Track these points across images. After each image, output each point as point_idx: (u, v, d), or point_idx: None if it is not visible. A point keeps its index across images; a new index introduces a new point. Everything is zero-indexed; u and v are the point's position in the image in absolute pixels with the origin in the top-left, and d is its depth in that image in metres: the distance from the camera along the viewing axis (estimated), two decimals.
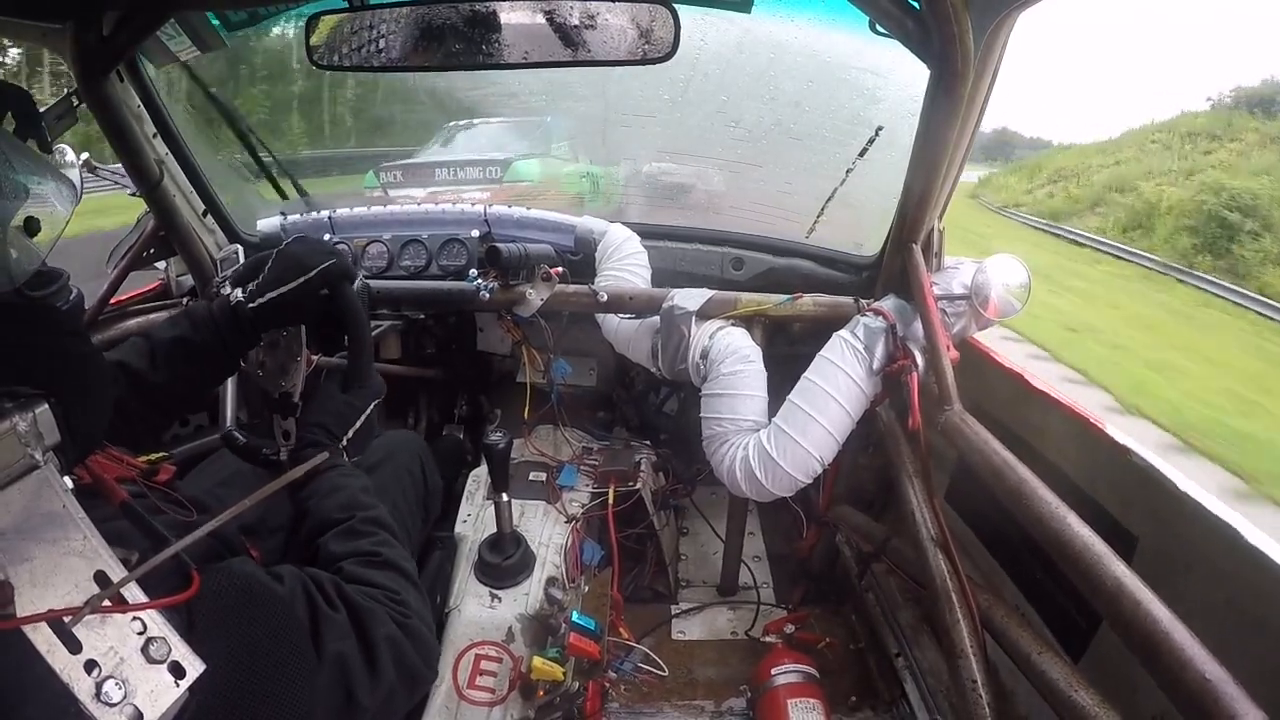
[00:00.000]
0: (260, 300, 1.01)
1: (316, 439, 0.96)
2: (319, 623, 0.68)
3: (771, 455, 1.33)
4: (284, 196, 1.95)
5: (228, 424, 1.10)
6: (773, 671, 1.35)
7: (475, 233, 1.77)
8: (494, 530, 1.33)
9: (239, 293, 1.02)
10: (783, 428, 1.34)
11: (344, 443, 0.98)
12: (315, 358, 1.13)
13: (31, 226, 0.55)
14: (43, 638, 0.48)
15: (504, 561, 1.30)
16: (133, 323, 1.63)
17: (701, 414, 1.47)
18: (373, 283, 1.61)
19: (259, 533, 1.01)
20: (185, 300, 1.74)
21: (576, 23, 1.10)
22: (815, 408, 1.33)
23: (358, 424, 1.00)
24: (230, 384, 1.18)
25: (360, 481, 0.95)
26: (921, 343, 1.30)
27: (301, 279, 1.00)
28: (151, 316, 1.67)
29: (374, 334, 1.73)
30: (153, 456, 0.89)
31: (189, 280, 1.74)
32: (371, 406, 1.03)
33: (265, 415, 1.19)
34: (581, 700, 1.20)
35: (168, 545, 0.57)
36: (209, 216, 1.74)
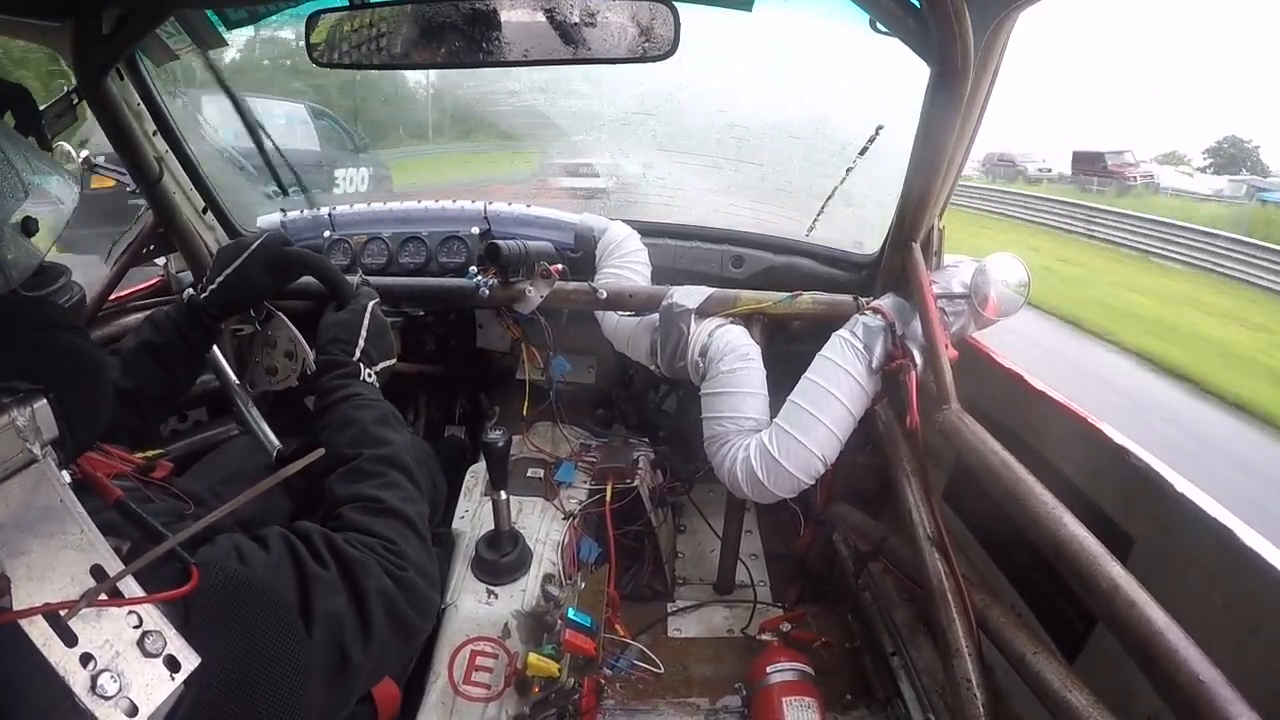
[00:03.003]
0: (211, 287, 1.10)
1: (334, 356, 0.97)
2: (308, 584, 0.67)
3: (774, 456, 1.33)
4: (284, 192, 1.96)
5: (275, 446, 1.14)
6: (768, 670, 1.35)
7: (475, 230, 1.77)
8: (491, 527, 1.33)
9: (190, 290, 1.11)
10: (785, 428, 1.34)
11: (360, 347, 0.99)
12: (313, 353, 1.14)
13: (29, 227, 0.55)
14: (39, 631, 0.48)
15: (501, 558, 1.30)
16: (131, 319, 1.63)
17: (702, 414, 1.47)
18: (372, 279, 1.61)
19: (256, 529, 1.02)
20: (185, 296, 1.75)
21: (576, 20, 1.10)
22: (817, 407, 1.33)
23: (365, 323, 1.01)
24: (254, 411, 1.23)
25: (375, 412, 0.92)
26: (920, 341, 1.30)
27: (244, 254, 1.11)
28: (150, 313, 1.67)
29: None
30: (149, 453, 0.90)
31: (188, 276, 1.75)
32: (371, 305, 1.05)
33: (263, 409, 1.22)
34: (577, 697, 1.21)
35: (164, 539, 0.57)
36: (208, 213, 1.74)
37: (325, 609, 0.67)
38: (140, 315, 1.66)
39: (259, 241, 1.12)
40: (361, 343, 0.99)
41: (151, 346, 1.07)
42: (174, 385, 1.12)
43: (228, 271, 1.11)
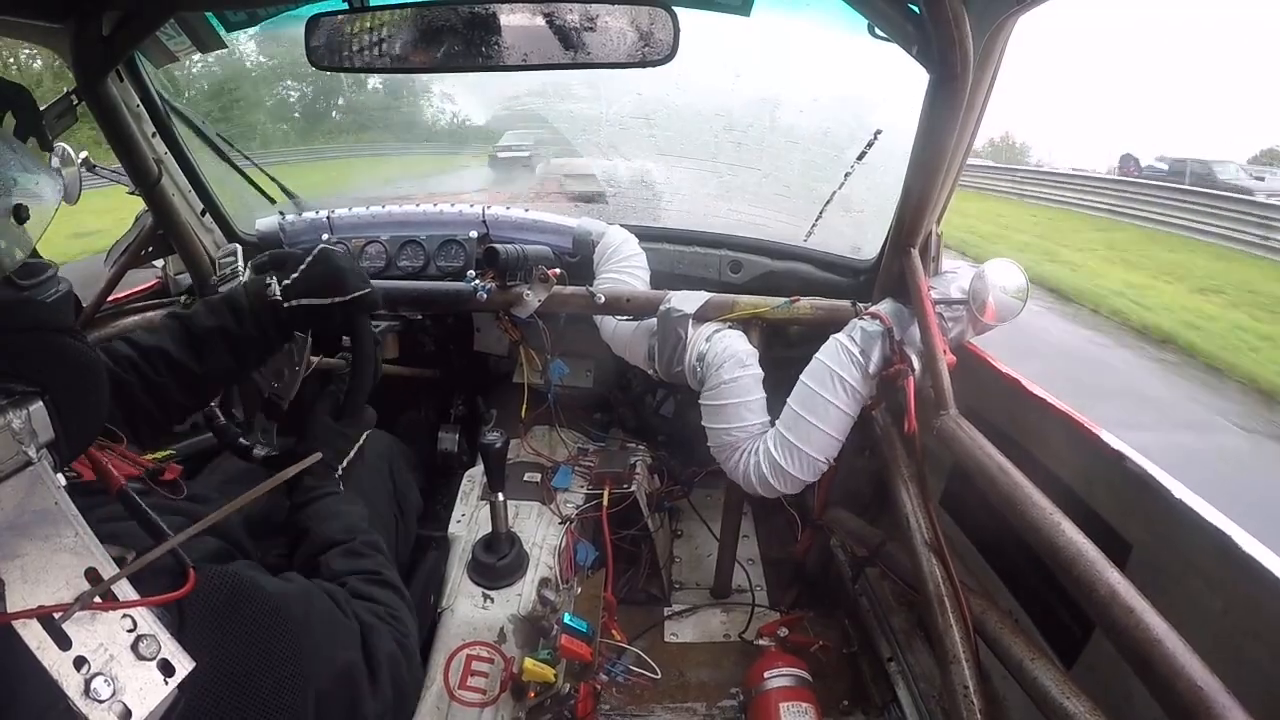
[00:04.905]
0: (296, 303, 1.04)
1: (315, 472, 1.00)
2: (336, 628, 0.71)
3: (780, 463, 1.36)
4: (271, 200, 1.95)
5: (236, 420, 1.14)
6: (765, 675, 1.35)
7: (473, 234, 1.77)
8: (488, 530, 1.33)
9: (276, 288, 1.04)
10: (787, 436, 1.36)
11: (339, 472, 1.03)
12: (315, 359, 1.14)
13: (20, 214, 0.55)
14: (32, 634, 0.48)
15: (498, 562, 1.30)
16: (129, 320, 1.63)
17: (705, 423, 1.47)
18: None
19: (263, 529, 1.01)
20: (183, 298, 1.74)
21: (576, 25, 1.10)
22: (815, 414, 1.34)
23: (351, 455, 1.05)
24: (274, 432, 1.25)
25: (359, 510, 0.99)
26: (918, 347, 1.30)
27: (339, 299, 1.05)
28: (149, 314, 1.67)
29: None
30: (158, 454, 0.89)
31: (186, 278, 1.75)
32: (364, 437, 1.08)
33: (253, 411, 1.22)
34: (573, 702, 1.20)
35: (164, 536, 0.58)
36: (207, 216, 1.74)
37: (344, 658, 0.70)
38: (138, 317, 1.65)
39: (358, 294, 1.06)
40: (340, 471, 1.03)
41: (228, 334, 1.02)
42: (237, 375, 1.09)
43: (321, 302, 1.05)
